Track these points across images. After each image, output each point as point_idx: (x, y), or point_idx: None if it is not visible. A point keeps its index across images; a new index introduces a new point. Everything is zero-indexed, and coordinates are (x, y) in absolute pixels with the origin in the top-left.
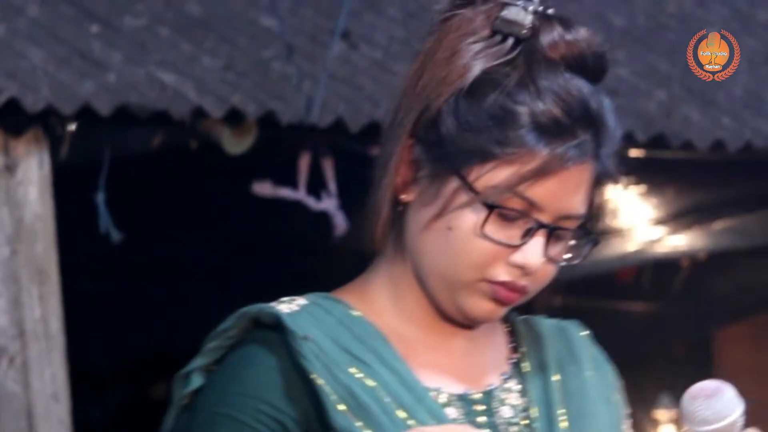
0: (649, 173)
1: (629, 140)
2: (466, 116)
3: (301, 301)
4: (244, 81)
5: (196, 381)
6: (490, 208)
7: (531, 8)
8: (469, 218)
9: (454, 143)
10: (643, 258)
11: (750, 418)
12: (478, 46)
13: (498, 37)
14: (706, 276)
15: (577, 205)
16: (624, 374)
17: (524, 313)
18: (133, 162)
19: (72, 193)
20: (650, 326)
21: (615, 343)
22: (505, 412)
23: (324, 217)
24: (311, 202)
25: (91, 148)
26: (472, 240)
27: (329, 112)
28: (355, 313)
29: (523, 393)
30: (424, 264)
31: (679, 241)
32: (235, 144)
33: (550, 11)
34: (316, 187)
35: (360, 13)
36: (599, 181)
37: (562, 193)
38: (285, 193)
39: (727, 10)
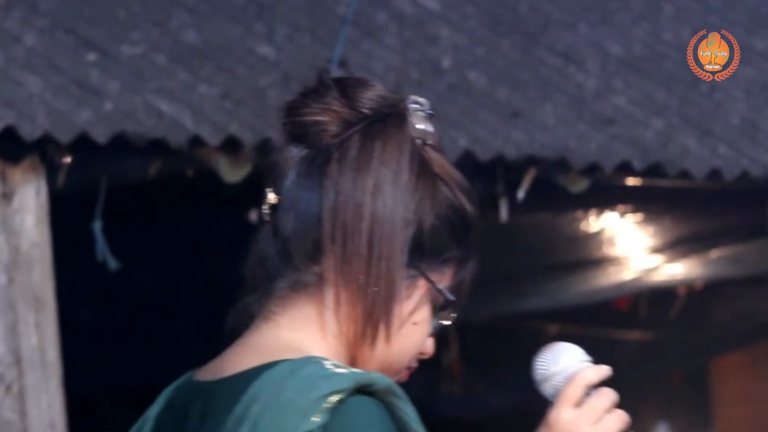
0: (645, 202)
1: (626, 169)
2: (439, 230)
3: (350, 367)
4: (241, 109)
5: None
6: (449, 304)
7: (427, 111)
8: (427, 314)
9: (430, 254)
10: (639, 286)
11: None
12: (420, 162)
13: (418, 147)
14: (702, 305)
15: None
16: (620, 403)
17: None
18: (130, 190)
19: (69, 222)
20: (647, 355)
21: (611, 371)
22: None
23: None
24: None
25: (88, 176)
26: (425, 332)
27: None
28: None
29: None
30: (377, 352)
31: (675, 270)
32: (232, 172)
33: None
34: None
35: (357, 42)
36: None
37: None
38: None
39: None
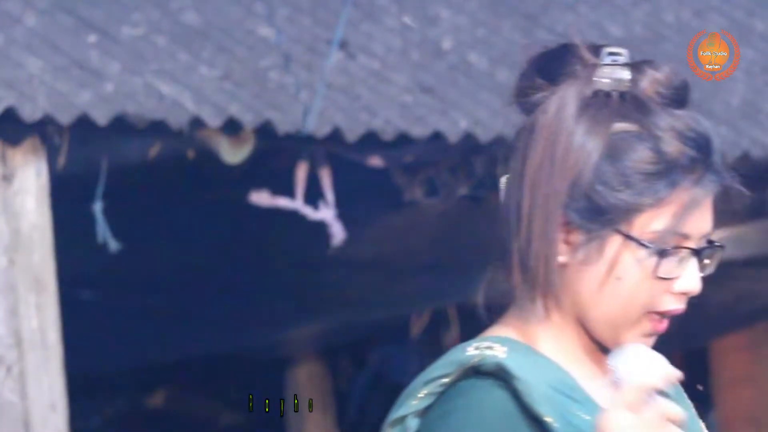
0: None
1: None
2: (613, 179)
3: (499, 347)
4: (242, 91)
5: (413, 425)
6: (660, 254)
7: (621, 61)
8: (636, 266)
9: (608, 205)
10: None
11: (749, 426)
12: (593, 112)
13: (601, 98)
14: (703, 285)
15: (711, 223)
16: None
17: None
18: (131, 171)
19: (69, 203)
20: None
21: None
22: None
23: (321, 227)
24: (308, 212)
25: (89, 157)
26: (642, 284)
27: (326, 122)
28: (540, 355)
29: None
30: (593, 313)
31: None
32: (233, 153)
33: (636, 59)
34: (314, 196)
35: (357, 23)
36: (727, 194)
37: (704, 219)
38: (282, 202)
39: (725, 20)
